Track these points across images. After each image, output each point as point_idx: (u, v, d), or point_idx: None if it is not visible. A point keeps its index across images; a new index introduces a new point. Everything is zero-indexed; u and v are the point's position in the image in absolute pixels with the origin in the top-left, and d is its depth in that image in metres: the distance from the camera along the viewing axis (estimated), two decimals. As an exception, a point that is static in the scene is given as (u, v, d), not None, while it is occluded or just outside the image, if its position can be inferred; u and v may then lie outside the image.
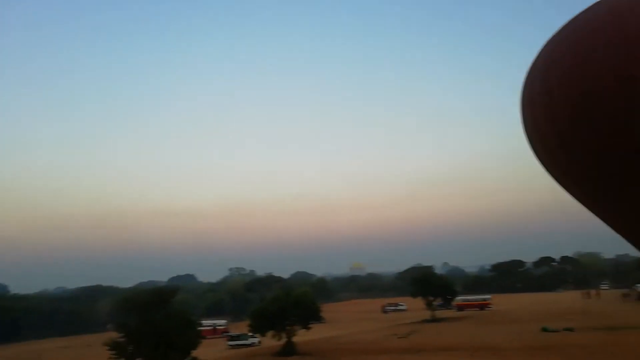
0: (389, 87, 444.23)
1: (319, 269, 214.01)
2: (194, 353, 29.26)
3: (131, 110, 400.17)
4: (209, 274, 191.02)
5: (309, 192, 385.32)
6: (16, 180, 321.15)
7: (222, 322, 74.55)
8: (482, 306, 78.40)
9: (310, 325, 43.23)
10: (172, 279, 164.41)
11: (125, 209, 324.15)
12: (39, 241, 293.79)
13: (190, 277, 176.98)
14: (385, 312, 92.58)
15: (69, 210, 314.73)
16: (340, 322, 77.62)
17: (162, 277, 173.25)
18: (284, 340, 42.03)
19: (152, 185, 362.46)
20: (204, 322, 71.35)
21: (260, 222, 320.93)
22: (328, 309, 57.11)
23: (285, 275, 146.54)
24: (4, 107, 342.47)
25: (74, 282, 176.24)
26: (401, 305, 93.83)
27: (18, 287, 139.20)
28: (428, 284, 65.00)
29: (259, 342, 48.30)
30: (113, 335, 28.65)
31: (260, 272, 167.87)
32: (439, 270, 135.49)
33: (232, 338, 53.40)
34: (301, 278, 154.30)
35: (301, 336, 43.97)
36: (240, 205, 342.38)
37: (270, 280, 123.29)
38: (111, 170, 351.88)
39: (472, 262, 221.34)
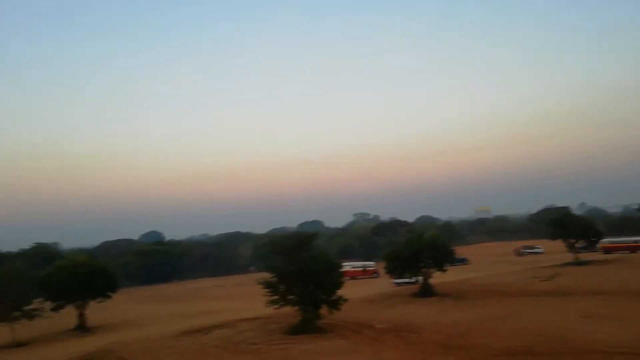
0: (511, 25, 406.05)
1: (443, 213, 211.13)
2: (346, 293, 30.89)
3: (268, 62, 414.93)
4: (335, 220, 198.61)
5: (434, 134, 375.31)
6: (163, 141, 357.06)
7: (371, 263, 77.19)
8: (634, 249, 71.81)
9: (445, 268, 43.20)
10: (301, 225, 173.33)
11: (258, 160, 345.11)
12: (188, 193, 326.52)
13: (317, 223, 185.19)
14: (520, 254, 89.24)
15: (209, 164, 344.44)
16: (473, 264, 76.52)
17: (291, 223, 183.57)
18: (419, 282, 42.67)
19: (281, 135, 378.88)
20: (353, 263, 75.22)
21: (382, 168, 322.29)
22: (458, 252, 56.40)
23: (410, 219, 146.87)
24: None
25: (215, 229, 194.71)
26: (537, 247, 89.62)
27: (170, 234, 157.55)
28: (568, 225, 60.81)
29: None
30: (256, 276, 31.07)
31: (384, 217, 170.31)
32: (576, 211, 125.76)
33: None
34: (426, 222, 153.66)
35: (436, 278, 44.24)
36: (361, 153, 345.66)
37: (395, 225, 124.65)
38: (244, 123, 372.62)
39: (614, 201, 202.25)
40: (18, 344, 36.73)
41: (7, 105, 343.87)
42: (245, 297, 56.23)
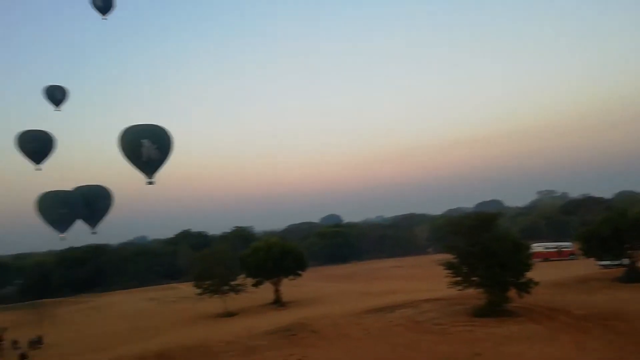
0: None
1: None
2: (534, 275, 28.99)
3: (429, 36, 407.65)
4: (516, 199, 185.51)
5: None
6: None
7: (567, 244, 71.22)
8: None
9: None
10: (478, 205, 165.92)
11: (429, 141, 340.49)
12: (363, 176, 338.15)
13: (496, 203, 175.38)
14: None
15: (381, 146, 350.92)
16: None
17: (468, 203, 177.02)
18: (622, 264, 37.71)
19: (453, 114, 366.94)
20: (545, 244, 70.34)
21: (568, 141, 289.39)
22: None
23: (607, 195, 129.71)
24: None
25: (390, 211, 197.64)
26: None
27: (348, 217, 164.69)
28: None
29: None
30: (435, 257, 30.55)
31: (574, 194, 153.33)
32: None
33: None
34: (628, 197, 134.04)
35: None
36: (540, 127, 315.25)
37: (588, 202, 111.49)
38: (413, 102, 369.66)
39: None
40: (229, 314, 42.60)
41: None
42: (424, 278, 56.18)
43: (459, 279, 29.13)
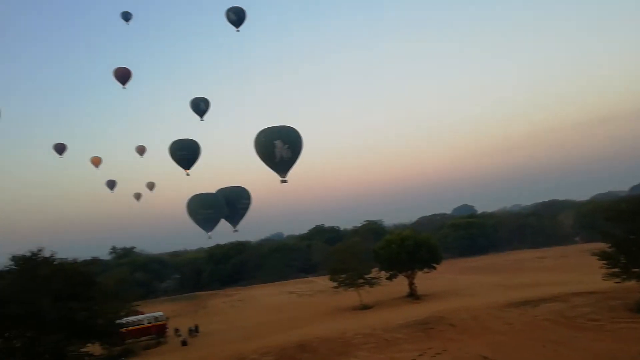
0: None
1: None
2: None
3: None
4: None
5: None
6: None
7: None
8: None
9: None
10: (635, 187, 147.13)
11: (569, 121, 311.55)
12: (493, 164, 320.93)
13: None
14: None
15: (515, 131, 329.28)
16: None
17: (622, 186, 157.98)
18: None
19: (597, 87, 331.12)
20: None
21: None
22: None
23: None
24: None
25: (528, 199, 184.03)
26: None
27: (481, 207, 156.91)
28: None
29: None
30: (584, 246, 27.56)
31: None
32: None
33: None
34: None
35: None
36: None
37: None
38: (549, 82, 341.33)
39: None
40: (365, 307, 43.07)
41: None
42: (572, 270, 51.44)
43: (616, 270, 26.14)
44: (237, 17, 67.75)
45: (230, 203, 61.84)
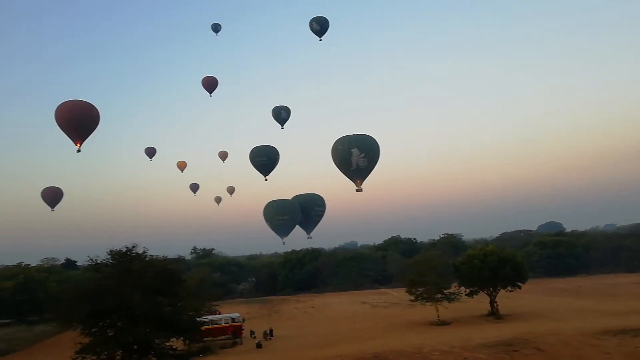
0: None
1: None
2: None
3: None
4: None
5: None
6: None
7: None
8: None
9: None
10: None
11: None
12: (584, 179, 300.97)
13: None
14: None
15: (605, 148, 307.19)
16: None
17: None
18: None
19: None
20: None
21: None
22: None
23: None
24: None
25: (625, 218, 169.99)
26: None
27: (570, 225, 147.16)
28: None
29: None
30: None
31: None
32: None
33: None
34: None
35: None
36: None
37: None
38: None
39: None
40: (442, 323, 41.60)
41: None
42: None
43: None
44: (320, 26, 69.08)
45: (305, 210, 62.81)
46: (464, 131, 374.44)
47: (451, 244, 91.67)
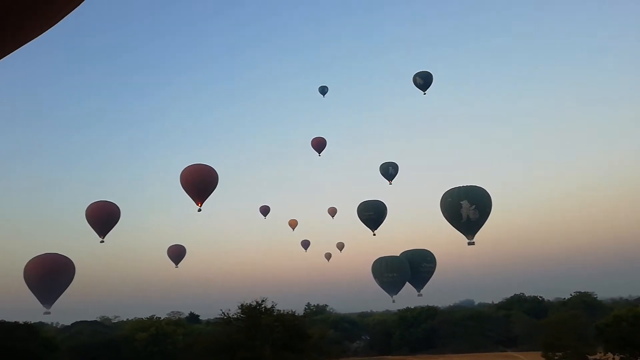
0: None
1: None
2: None
3: None
4: None
5: None
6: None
7: None
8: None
9: None
10: None
11: None
12: None
13: None
14: None
15: None
16: None
17: None
18: None
19: None
20: None
21: None
22: None
23: None
24: None
25: None
26: None
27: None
28: None
29: None
30: None
31: None
32: None
33: None
34: None
35: None
36: None
37: None
38: None
39: None
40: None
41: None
42: None
43: None
44: (424, 81, 69.62)
45: (413, 266, 61.40)
46: (590, 176, 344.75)
47: (585, 303, 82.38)
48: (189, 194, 72.82)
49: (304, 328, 27.93)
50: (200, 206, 71.67)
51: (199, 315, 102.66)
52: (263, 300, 25.89)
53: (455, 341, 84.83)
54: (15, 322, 50.73)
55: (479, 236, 46.18)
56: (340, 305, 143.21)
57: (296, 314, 29.68)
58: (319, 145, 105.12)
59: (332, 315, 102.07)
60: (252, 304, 25.80)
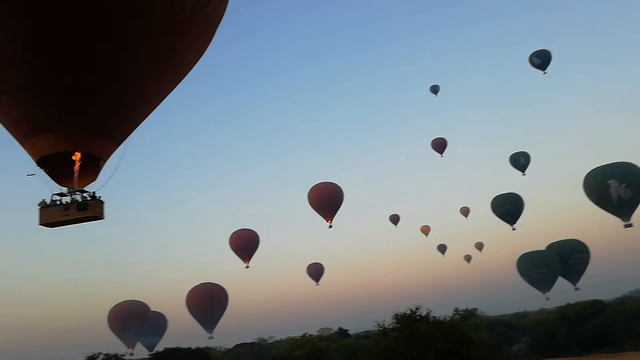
0: None
1: None
2: None
3: None
4: None
5: None
6: None
7: None
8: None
9: None
10: None
11: None
12: None
13: None
14: None
15: None
16: None
17: None
18: None
19: None
20: None
21: None
22: None
23: None
24: None
25: None
26: None
27: None
28: None
29: None
30: None
31: None
32: None
33: None
34: None
35: None
36: None
37: None
38: None
39: None
40: None
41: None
42: None
43: None
44: (541, 60, 64.50)
45: (563, 259, 56.80)
46: None
47: None
48: (318, 212, 75.38)
49: (466, 333, 26.57)
50: (331, 222, 73.67)
51: (347, 330, 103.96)
52: (417, 308, 25.15)
53: (634, 337, 75.32)
54: (188, 347, 55.69)
55: (637, 216, 41.75)
56: (490, 308, 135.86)
57: (455, 319, 28.40)
58: (440, 145, 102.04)
59: (484, 318, 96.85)
60: (407, 312, 25.18)
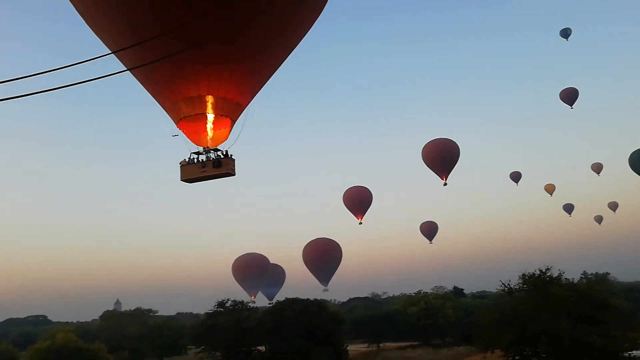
0: None
1: None
2: None
3: None
4: None
5: None
6: None
7: None
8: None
9: None
10: None
11: None
12: None
13: None
14: None
15: None
16: None
17: None
18: None
19: None
20: None
21: None
22: None
23: None
24: None
25: None
26: None
27: None
28: None
29: None
30: None
31: None
32: None
33: None
34: None
35: None
36: None
37: None
38: None
39: None
40: None
41: None
42: None
43: None
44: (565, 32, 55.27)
45: None
46: None
47: None
48: (432, 169, 72.85)
49: (605, 297, 24.68)
50: (446, 180, 70.89)
51: (462, 289, 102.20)
52: (547, 269, 23.77)
53: None
54: (307, 298, 58.46)
55: None
56: (624, 274, 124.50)
57: (592, 281, 26.38)
58: (570, 96, 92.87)
59: (617, 284, 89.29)
60: (536, 273, 23.96)
